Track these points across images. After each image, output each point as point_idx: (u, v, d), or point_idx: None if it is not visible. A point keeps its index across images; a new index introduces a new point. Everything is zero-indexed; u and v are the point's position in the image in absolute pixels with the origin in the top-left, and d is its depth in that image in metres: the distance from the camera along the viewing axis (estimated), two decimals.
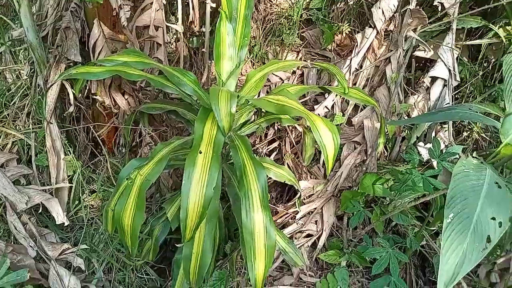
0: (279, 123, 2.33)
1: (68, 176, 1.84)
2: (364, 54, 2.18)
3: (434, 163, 2.10)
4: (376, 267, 1.69)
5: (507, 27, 2.08)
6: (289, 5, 2.90)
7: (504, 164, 1.32)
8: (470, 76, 2.28)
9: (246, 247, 1.27)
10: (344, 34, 2.96)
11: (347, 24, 2.90)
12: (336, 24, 3.05)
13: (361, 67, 2.21)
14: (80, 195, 1.86)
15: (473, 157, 1.24)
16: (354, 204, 1.94)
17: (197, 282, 1.44)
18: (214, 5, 2.20)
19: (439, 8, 1.98)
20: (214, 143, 1.22)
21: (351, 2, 2.91)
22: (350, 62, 2.19)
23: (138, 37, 1.80)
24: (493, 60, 2.35)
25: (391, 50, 2.13)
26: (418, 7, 1.95)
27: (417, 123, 2.12)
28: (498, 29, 2.06)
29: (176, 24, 1.96)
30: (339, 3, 3.04)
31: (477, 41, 2.12)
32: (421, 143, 2.19)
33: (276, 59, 3.07)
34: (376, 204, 2.03)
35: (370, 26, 2.16)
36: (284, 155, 2.25)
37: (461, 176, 1.12)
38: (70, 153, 1.82)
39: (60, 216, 1.69)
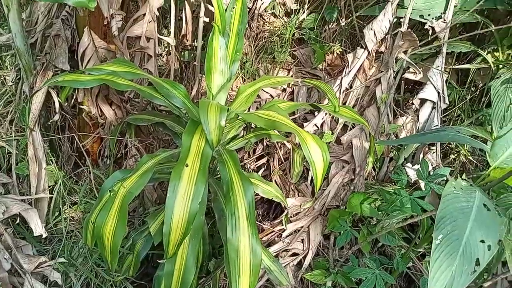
0: (268, 139, 2.31)
1: (49, 186, 1.78)
2: (355, 74, 2.20)
3: (422, 185, 2.10)
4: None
5: (495, 53, 2.12)
6: (282, 23, 2.93)
7: (491, 187, 1.31)
8: (458, 100, 2.31)
9: (230, 264, 1.23)
10: (335, 54, 2.99)
11: (339, 44, 2.94)
12: (327, 44, 3.08)
13: (351, 86, 2.22)
14: (61, 206, 1.80)
15: (462, 179, 1.24)
16: (341, 223, 1.91)
17: None
18: (207, 19, 2.20)
19: (430, 32, 2.01)
20: (201, 156, 1.19)
21: (343, 24, 2.95)
22: (341, 81, 2.20)
23: (129, 48, 1.79)
24: (480, 85, 2.39)
25: (382, 71, 2.14)
26: (409, 30, 1.98)
27: (405, 144, 2.12)
28: (487, 54, 2.10)
29: (168, 37, 1.95)
30: (331, 24, 3.09)
31: (466, 66, 2.15)
32: (409, 164, 2.19)
33: (267, 75, 3.08)
34: (363, 224, 2.01)
35: (362, 47, 2.18)
36: (272, 171, 2.23)
37: (450, 198, 1.11)
38: (52, 162, 1.77)
39: (38, 228, 1.63)
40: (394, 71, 2.07)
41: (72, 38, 1.84)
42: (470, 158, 2.25)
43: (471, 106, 2.41)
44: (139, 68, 1.54)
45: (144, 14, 1.70)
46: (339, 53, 2.99)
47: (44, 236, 1.64)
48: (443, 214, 1.06)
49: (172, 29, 1.97)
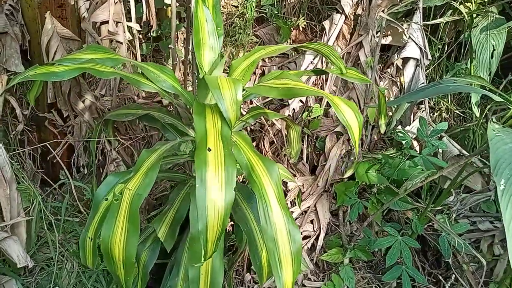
0: (255, 122, 2.18)
1: (25, 208, 1.52)
2: (334, 41, 2.11)
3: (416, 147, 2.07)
4: (390, 257, 1.58)
5: (467, 3, 2.12)
6: (239, 3, 2.79)
7: None
8: (437, 56, 2.30)
9: (270, 255, 1.08)
10: (300, 29, 2.90)
11: (303, 18, 2.84)
12: (290, 19, 2.97)
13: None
14: (46, 228, 1.55)
15: (494, 122, 1.18)
16: (350, 196, 1.82)
17: None
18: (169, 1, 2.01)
19: None
20: (222, 137, 1.03)
21: None
22: None
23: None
24: (447, 39, 2.39)
25: (362, 34, 2.07)
26: None
27: (396, 106, 2.07)
28: (459, 5, 2.09)
29: (131, 23, 1.74)
30: None
31: (441, 20, 2.13)
32: (399, 127, 2.15)
33: (237, 58, 2.93)
34: (369, 194, 1.94)
35: (338, 12, 2.09)
36: (265, 154, 2.10)
37: (497, 141, 1.04)
38: (26, 180, 1.51)
39: (21, 258, 1.38)
40: (375, 32, 2.00)
41: (22, 36, 1.58)
42: (457, 112, 2.25)
43: (446, 61, 2.41)
44: (116, 53, 1.33)
45: None
46: (303, 27, 2.90)
47: (30, 266, 1.40)
48: (496, 157, 0.99)
49: (133, 13, 1.76)
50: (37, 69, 1.10)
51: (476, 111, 2.19)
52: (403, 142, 1.77)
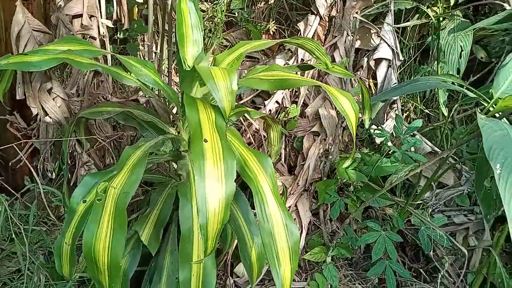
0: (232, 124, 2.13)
1: None
2: None
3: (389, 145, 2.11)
4: (375, 253, 1.59)
5: (433, 8, 2.21)
6: (208, 7, 2.76)
7: (503, 117, 1.32)
8: (407, 57, 2.37)
9: (267, 251, 1.05)
10: (271, 33, 2.91)
11: (273, 22, 2.85)
12: (259, 24, 2.98)
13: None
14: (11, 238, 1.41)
15: (479, 113, 1.22)
16: (330, 194, 1.82)
17: None
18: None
19: None
20: (217, 128, 0.98)
21: (272, 1, 2.87)
22: (297, 52, 2.10)
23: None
24: (412, 43, 2.49)
25: (336, 36, 2.09)
26: None
27: (372, 105, 2.10)
28: (427, 9, 2.17)
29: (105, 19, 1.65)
30: (259, 3, 2.99)
31: (411, 22, 2.21)
32: (373, 126, 2.19)
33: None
34: (347, 191, 1.95)
35: (313, 13, 2.11)
36: None
37: (487, 128, 1.07)
38: None
39: None
40: (351, 33, 2.03)
41: None
42: (427, 111, 2.32)
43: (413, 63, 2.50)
44: (95, 46, 1.25)
45: None
46: (274, 31, 2.91)
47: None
48: (489, 144, 1.02)
49: (103, 10, 1.68)
50: (10, 58, 1.01)
51: (444, 110, 2.27)
52: (382, 139, 1.79)
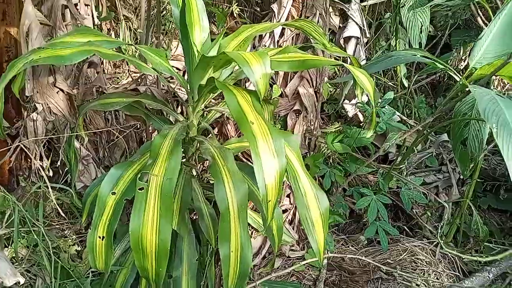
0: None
1: None
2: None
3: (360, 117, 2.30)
4: (370, 215, 1.75)
5: None
6: None
7: (481, 85, 1.51)
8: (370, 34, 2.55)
9: (302, 220, 1.15)
10: (235, 16, 2.94)
11: (236, 4, 2.89)
12: (220, 6, 3.00)
13: (282, 35, 2.22)
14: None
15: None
16: (320, 166, 1.95)
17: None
18: None
19: None
20: (257, 111, 1.05)
21: None
22: (273, 33, 2.18)
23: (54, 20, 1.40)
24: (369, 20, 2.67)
25: (308, 16, 2.20)
26: None
27: (344, 82, 2.26)
28: None
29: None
30: None
31: (374, 1, 2.37)
32: (346, 101, 2.35)
33: (167, 49, 2.85)
34: (331, 163, 2.10)
35: None
36: (230, 137, 2.11)
37: (478, 94, 1.24)
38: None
39: (9, 277, 1.21)
40: (323, 13, 2.14)
41: None
42: (391, 83, 2.53)
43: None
44: (110, 36, 1.24)
45: None
46: (237, 13, 2.95)
47: (22, 282, 1.23)
48: (483, 106, 1.19)
49: None
50: (41, 52, 0.98)
51: (405, 82, 2.49)
52: (364, 112, 1.95)
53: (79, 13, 1.36)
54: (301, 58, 1.19)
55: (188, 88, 1.38)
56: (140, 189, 1.09)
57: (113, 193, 1.20)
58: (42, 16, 1.28)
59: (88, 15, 1.39)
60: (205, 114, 1.54)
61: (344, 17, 2.31)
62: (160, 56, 1.28)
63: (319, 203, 1.18)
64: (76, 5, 1.36)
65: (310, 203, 1.16)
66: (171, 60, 2.69)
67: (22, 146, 1.49)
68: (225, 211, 1.19)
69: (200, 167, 1.79)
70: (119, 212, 1.19)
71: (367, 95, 2.08)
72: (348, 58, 2.21)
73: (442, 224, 1.81)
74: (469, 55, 1.53)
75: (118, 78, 2.44)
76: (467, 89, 1.44)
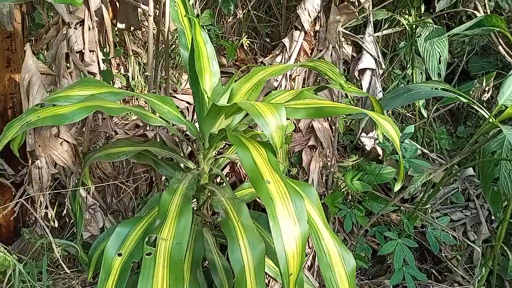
0: None
1: None
2: (296, 57, 2.13)
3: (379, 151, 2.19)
4: (396, 261, 1.63)
5: (405, 16, 2.32)
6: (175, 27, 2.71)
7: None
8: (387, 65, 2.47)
9: (325, 280, 1.05)
10: (245, 48, 2.90)
11: (246, 36, 2.86)
12: (231, 39, 2.96)
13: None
14: None
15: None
16: (339, 207, 1.85)
17: None
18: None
19: (356, 4, 2.08)
20: (273, 167, 0.96)
21: (240, 15, 2.87)
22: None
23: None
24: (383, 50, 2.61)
25: (321, 50, 2.13)
26: (345, 3, 2.00)
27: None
28: (400, 17, 2.28)
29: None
30: (228, 18, 2.98)
31: (388, 31, 2.30)
32: (363, 134, 2.25)
33: (177, 83, 2.82)
34: (350, 202, 1.99)
35: (297, 29, 2.12)
36: (245, 178, 2.02)
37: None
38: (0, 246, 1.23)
39: None
40: (338, 46, 2.07)
41: None
42: (408, 114, 2.43)
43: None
44: (113, 87, 1.17)
45: (83, 21, 1.29)
46: (247, 45, 2.92)
47: None
48: None
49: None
50: (40, 112, 0.92)
51: (424, 112, 2.39)
52: (384, 148, 1.85)
53: (84, 60, 1.31)
54: (318, 105, 1.11)
55: (199, 136, 1.30)
56: (147, 254, 1.00)
57: (119, 255, 1.12)
58: (44, 66, 1.23)
59: (93, 62, 1.34)
60: (216, 160, 1.46)
61: (357, 46, 2.24)
62: (168, 104, 1.21)
63: (344, 263, 1.07)
64: (81, 52, 1.31)
65: (334, 263, 1.06)
66: (182, 93, 2.64)
67: (27, 195, 1.42)
68: (241, 273, 1.09)
69: (210, 212, 1.70)
70: (126, 275, 1.10)
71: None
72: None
73: (476, 268, 1.67)
74: (493, 86, 1.44)
75: (127, 114, 2.39)
76: (498, 129, 1.34)
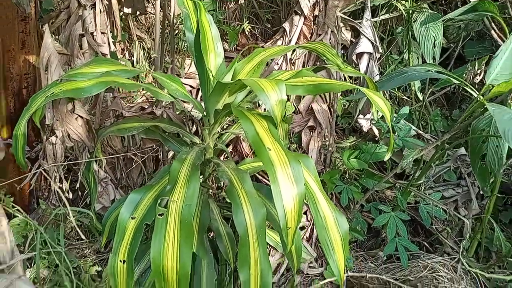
0: None
1: (19, 244, 1.35)
2: (296, 41, 2.22)
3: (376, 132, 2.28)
4: (389, 232, 1.73)
5: (402, 1, 2.40)
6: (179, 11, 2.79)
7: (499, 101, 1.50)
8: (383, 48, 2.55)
9: (322, 243, 1.15)
10: (246, 33, 2.98)
11: (247, 22, 2.92)
12: (232, 24, 3.03)
13: (294, 51, 2.24)
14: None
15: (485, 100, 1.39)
16: (337, 183, 1.95)
17: None
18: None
19: None
20: (274, 137, 1.06)
21: (242, 2, 2.94)
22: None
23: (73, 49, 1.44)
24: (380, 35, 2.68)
25: (320, 34, 2.21)
26: None
27: (358, 97, 2.25)
28: (397, 2, 2.35)
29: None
30: (230, 3, 3.04)
31: (385, 16, 2.37)
32: (360, 116, 2.34)
33: (180, 68, 2.90)
34: (347, 179, 2.09)
35: (296, 14, 2.20)
36: (246, 156, 2.13)
37: (497, 113, 1.23)
38: (22, 212, 1.34)
39: None
40: (336, 30, 2.15)
41: None
42: (404, 97, 2.52)
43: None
44: (125, 65, 1.26)
45: (94, 4, 1.38)
46: (248, 31, 2.99)
47: None
48: (503, 126, 1.18)
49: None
50: (61, 86, 1.01)
51: (420, 96, 2.48)
52: (380, 128, 1.94)
53: (96, 42, 1.39)
54: (315, 82, 1.20)
55: (204, 112, 1.40)
56: (160, 214, 1.11)
57: (133, 218, 1.22)
58: (60, 46, 1.32)
59: (105, 43, 1.43)
60: (220, 136, 1.55)
61: (356, 31, 2.32)
62: (175, 82, 1.30)
63: (338, 226, 1.17)
64: (92, 33, 1.40)
65: (329, 226, 1.15)
66: (185, 78, 2.73)
67: (42, 170, 1.52)
68: (244, 235, 1.19)
69: (215, 185, 1.80)
70: (139, 236, 1.20)
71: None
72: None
73: (464, 241, 1.78)
74: (485, 69, 1.52)
75: (133, 97, 2.49)
76: (484, 107, 1.43)
